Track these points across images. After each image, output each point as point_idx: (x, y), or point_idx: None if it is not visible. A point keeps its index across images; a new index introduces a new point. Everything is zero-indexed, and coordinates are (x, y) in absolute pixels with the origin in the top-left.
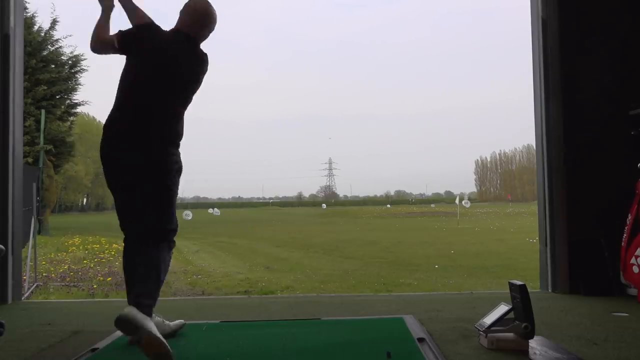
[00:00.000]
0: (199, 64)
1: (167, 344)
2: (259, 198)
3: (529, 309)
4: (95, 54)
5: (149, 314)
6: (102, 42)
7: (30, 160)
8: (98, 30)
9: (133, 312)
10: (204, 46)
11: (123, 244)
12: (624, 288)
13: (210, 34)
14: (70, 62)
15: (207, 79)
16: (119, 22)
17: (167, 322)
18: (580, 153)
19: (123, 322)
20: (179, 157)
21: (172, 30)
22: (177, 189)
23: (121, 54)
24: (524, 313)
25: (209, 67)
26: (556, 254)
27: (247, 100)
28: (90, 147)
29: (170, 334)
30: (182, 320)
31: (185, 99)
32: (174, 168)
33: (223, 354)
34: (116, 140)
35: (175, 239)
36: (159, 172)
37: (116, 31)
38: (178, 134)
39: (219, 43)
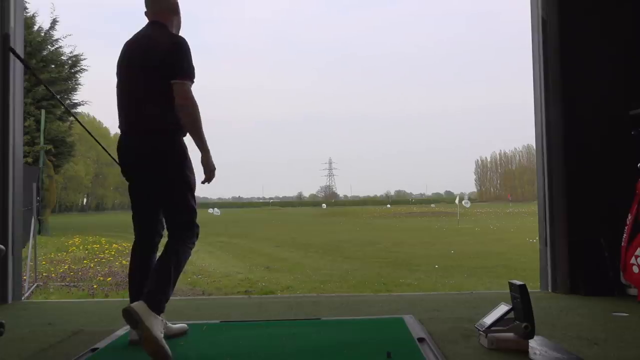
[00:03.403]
0: (152, 45)
1: (165, 345)
2: (259, 198)
3: (529, 309)
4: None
5: (159, 310)
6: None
7: (30, 160)
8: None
9: (140, 306)
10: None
11: (133, 244)
12: (624, 288)
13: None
14: (70, 62)
15: (206, 78)
16: (119, 22)
17: (169, 324)
18: (580, 153)
19: (127, 314)
20: (183, 146)
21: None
22: (188, 178)
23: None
24: (524, 313)
25: (208, 66)
26: (556, 254)
27: (248, 100)
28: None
29: (171, 337)
30: (185, 325)
31: (158, 84)
32: (177, 157)
33: (223, 354)
34: (123, 139)
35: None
36: (163, 162)
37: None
38: (177, 122)
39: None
